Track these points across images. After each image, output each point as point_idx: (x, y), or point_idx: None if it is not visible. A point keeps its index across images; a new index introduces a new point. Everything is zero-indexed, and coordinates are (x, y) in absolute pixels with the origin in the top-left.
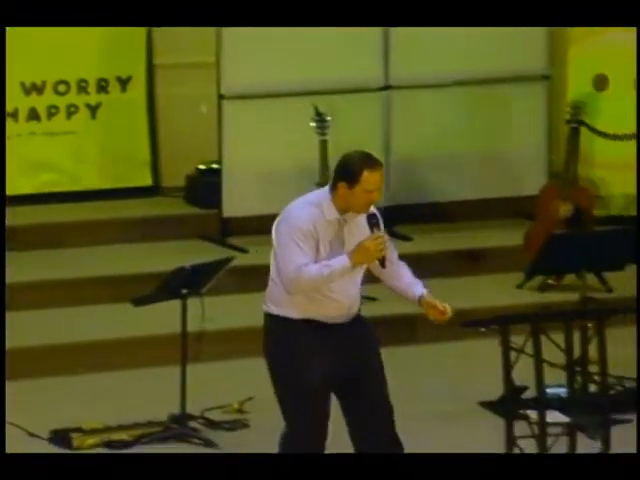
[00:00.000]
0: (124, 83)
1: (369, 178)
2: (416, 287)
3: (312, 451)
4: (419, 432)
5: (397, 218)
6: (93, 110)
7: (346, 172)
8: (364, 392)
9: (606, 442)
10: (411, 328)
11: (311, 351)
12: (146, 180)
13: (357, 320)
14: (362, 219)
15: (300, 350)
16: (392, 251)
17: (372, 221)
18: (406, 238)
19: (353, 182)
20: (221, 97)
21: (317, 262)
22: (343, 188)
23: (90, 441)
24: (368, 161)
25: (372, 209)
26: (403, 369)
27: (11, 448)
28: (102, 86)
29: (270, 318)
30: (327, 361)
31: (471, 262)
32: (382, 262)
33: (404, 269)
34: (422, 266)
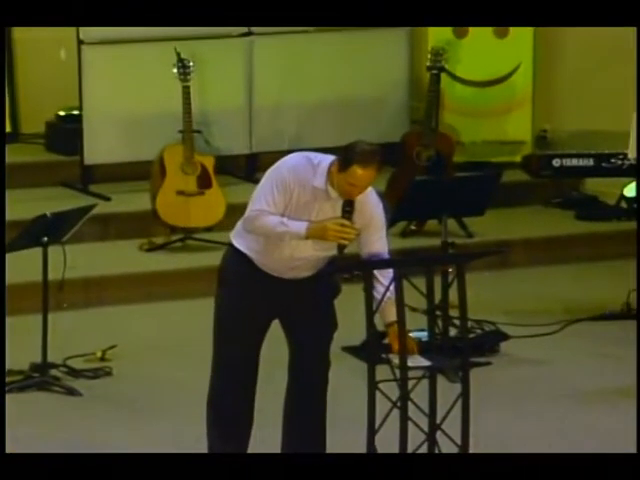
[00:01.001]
0: None
1: (356, 172)
2: (392, 311)
3: (232, 402)
4: (282, 378)
5: (260, 165)
6: None
7: (343, 155)
8: (301, 353)
9: (465, 385)
10: None
11: (251, 291)
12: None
13: (312, 283)
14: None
15: (238, 286)
16: (383, 246)
17: (346, 208)
18: None
19: (342, 168)
20: (81, 42)
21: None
22: (335, 167)
23: None
24: (364, 157)
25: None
26: None
27: None
28: None
29: (228, 247)
30: (265, 307)
31: None
32: (339, 249)
33: (385, 277)
34: None
